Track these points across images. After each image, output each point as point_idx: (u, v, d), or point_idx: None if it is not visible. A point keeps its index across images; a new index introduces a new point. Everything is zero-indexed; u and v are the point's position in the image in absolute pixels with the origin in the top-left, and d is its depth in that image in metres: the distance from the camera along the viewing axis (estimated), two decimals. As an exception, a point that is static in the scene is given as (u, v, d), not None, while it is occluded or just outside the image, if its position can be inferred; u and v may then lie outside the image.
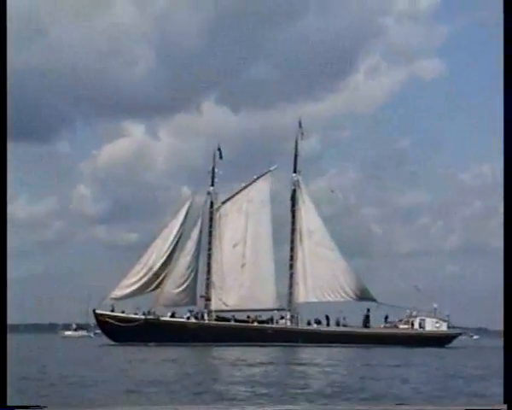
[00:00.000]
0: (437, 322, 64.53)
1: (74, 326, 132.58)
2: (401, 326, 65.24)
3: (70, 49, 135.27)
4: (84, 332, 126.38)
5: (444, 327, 64.67)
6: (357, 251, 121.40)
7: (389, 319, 65.91)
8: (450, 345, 63.81)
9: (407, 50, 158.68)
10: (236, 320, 64.80)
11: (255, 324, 64.42)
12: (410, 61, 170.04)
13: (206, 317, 65.40)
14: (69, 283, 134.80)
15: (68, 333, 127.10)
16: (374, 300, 65.69)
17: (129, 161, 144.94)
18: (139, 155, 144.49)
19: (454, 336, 65.69)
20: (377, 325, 65.26)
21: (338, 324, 64.79)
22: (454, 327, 65.92)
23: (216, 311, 65.62)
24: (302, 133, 67.47)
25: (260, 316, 65.74)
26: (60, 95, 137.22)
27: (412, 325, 65.09)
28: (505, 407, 8.99)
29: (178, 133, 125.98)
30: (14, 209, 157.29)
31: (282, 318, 65.14)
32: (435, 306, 65.22)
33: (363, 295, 65.86)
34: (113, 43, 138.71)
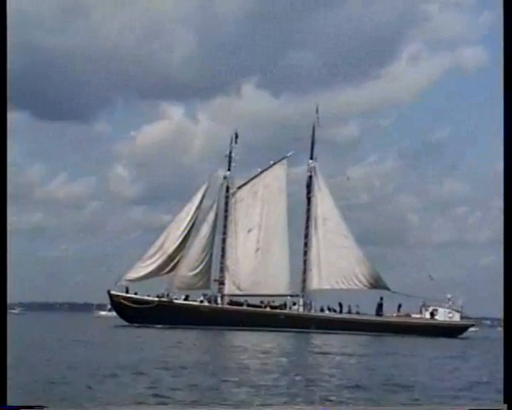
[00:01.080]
0: (450, 312, 64.41)
1: (109, 307, 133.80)
2: (414, 315, 65.27)
3: (111, 32, 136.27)
4: None
5: (457, 317, 64.57)
6: (393, 240, 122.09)
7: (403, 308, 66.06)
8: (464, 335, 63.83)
9: (450, 39, 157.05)
10: (249, 305, 65.08)
11: (268, 309, 64.62)
12: (453, 49, 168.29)
13: (219, 301, 65.77)
14: (104, 263, 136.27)
15: (102, 313, 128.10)
16: (387, 288, 65.70)
17: (167, 143, 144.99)
18: (177, 137, 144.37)
19: (467, 327, 65.62)
20: (390, 314, 65.29)
21: (349, 311, 64.96)
22: (468, 318, 65.91)
23: (229, 295, 66.00)
24: (318, 118, 67.39)
25: (274, 301, 66.03)
26: (100, 77, 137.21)
27: (432, 314, 64.87)
28: (505, 407, 9.07)
29: (217, 116, 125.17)
30: (53, 188, 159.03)
31: (295, 304, 65.36)
32: (449, 296, 65.17)
33: (376, 284, 65.88)
34: (154, 26, 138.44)
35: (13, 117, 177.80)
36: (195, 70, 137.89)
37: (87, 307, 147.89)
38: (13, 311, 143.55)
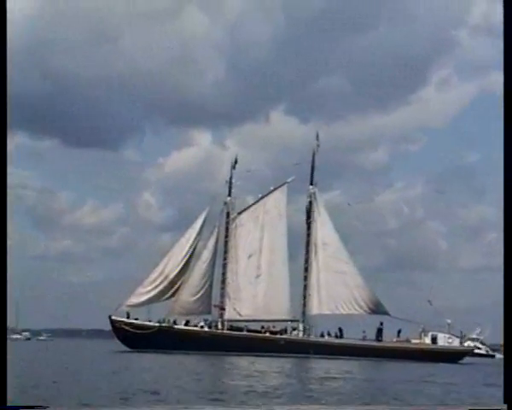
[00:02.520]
0: (449, 337, 64.42)
1: None
2: (413, 341, 65.32)
3: (140, 57, 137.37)
4: None
5: (456, 343, 64.57)
6: (421, 265, 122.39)
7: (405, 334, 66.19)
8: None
9: (479, 64, 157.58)
10: (249, 330, 65.29)
11: (267, 334, 64.82)
12: (483, 74, 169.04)
13: (219, 326, 66.02)
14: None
15: None
16: (387, 313, 65.78)
17: (195, 170, 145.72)
18: (205, 164, 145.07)
19: (466, 353, 65.56)
20: (389, 339, 65.35)
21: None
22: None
23: (229, 320, 66.24)
24: (318, 145, 67.79)
25: (274, 327, 66.18)
26: (129, 103, 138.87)
27: (434, 340, 65.09)
28: (505, 407, 9.15)
29: (246, 143, 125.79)
30: (82, 215, 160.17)
31: (294, 329, 65.54)
32: (449, 321, 65.16)
33: (376, 309, 65.92)
34: (183, 51, 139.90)
35: (43, 144, 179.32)
36: (224, 96, 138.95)
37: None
38: (40, 337, 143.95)
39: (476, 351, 76.24)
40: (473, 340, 71.70)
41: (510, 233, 8.59)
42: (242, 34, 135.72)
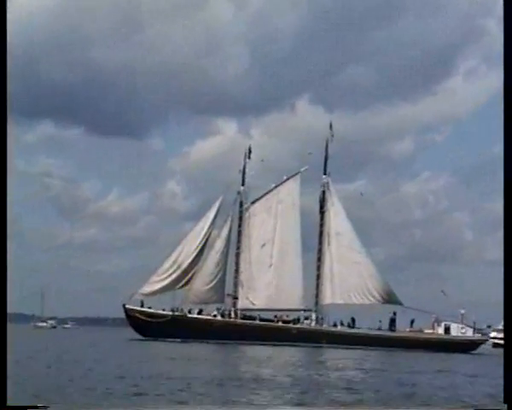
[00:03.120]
0: (463, 328, 64.26)
1: None
2: (426, 331, 65.23)
3: (166, 47, 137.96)
4: None
5: (469, 333, 64.38)
6: (446, 256, 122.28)
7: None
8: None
9: None
10: (262, 319, 65.43)
11: (280, 323, 64.92)
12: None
13: (232, 315, 66.20)
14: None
15: None
16: (400, 303, 65.71)
17: (220, 159, 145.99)
18: (230, 153, 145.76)
19: (480, 343, 65.33)
20: (403, 329, 65.33)
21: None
22: (483, 333, 65.76)
23: (242, 309, 66.40)
24: (332, 135, 67.63)
25: (287, 316, 66.30)
26: (154, 92, 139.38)
27: (447, 330, 64.97)
28: (505, 407, 9.39)
29: (271, 132, 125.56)
30: (107, 204, 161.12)
31: (307, 318, 65.59)
32: (462, 311, 64.98)
33: (389, 299, 65.88)
34: (210, 42, 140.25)
35: (68, 133, 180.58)
36: (250, 86, 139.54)
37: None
38: (65, 325, 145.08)
39: (502, 342, 75.74)
40: (498, 331, 71.03)
41: (510, 233, 8.53)
42: (267, 25, 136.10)
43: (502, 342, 74.37)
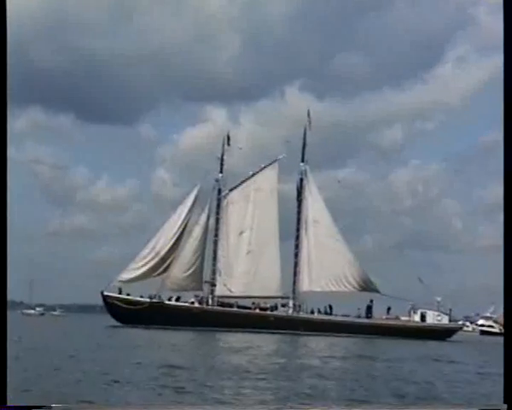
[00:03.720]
0: (438, 315, 64.79)
1: None
2: (403, 318, 65.73)
3: (156, 35, 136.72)
4: None
5: (445, 320, 64.92)
6: (436, 244, 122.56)
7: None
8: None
9: (497, 41, 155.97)
10: (239, 307, 65.65)
11: (257, 311, 65.17)
12: (501, 52, 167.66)
13: (210, 302, 66.37)
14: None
15: None
16: (377, 291, 66.15)
17: (210, 146, 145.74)
18: (220, 141, 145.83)
19: (455, 330, 65.92)
20: (379, 316, 65.76)
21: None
22: (455, 321, 66.43)
23: (220, 297, 66.57)
24: (310, 123, 67.79)
25: (266, 303, 66.53)
26: (144, 80, 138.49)
27: (423, 317, 65.55)
28: (505, 407, 9.16)
29: (261, 120, 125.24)
30: (96, 191, 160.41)
31: (284, 305, 65.87)
32: (438, 299, 65.52)
33: (366, 286, 66.30)
34: (200, 29, 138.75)
35: (58, 120, 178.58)
36: (240, 73, 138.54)
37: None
38: (53, 312, 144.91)
39: (490, 330, 77.03)
40: (486, 318, 72.20)
41: (510, 232, 8.45)
42: (259, 11, 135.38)
43: (489, 329, 75.56)
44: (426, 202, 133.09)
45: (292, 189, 69.06)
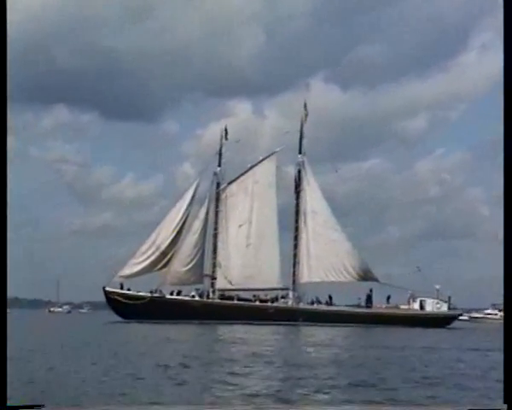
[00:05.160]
0: (437, 303, 65.07)
1: None
2: (402, 306, 66.04)
3: (178, 31, 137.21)
4: None
5: (444, 308, 65.19)
6: (462, 233, 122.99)
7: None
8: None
9: None
10: (239, 299, 66.11)
11: (257, 303, 65.61)
12: None
13: (210, 295, 66.86)
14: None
15: None
16: (376, 280, 66.45)
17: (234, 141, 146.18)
18: (244, 135, 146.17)
19: (454, 317, 66.19)
20: (379, 305, 66.10)
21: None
22: (455, 308, 66.74)
23: (220, 290, 67.03)
24: (306, 115, 68.02)
25: (266, 295, 66.94)
26: (167, 76, 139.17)
27: (422, 305, 65.92)
28: (505, 407, 9.01)
29: (285, 113, 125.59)
30: (121, 188, 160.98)
31: (284, 297, 66.30)
32: (437, 287, 65.82)
33: (365, 276, 66.62)
34: (222, 24, 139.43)
35: (82, 118, 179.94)
36: (263, 67, 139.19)
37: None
38: (81, 310, 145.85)
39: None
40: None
41: (510, 231, 8.59)
42: (281, 5, 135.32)
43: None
44: (451, 191, 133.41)
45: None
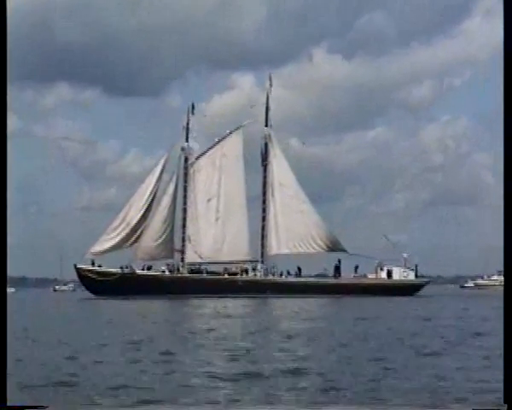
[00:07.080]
0: (404, 271, 65.79)
1: None
2: (370, 276, 66.77)
3: (181, 4, 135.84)
4: None
5: (411, 276, 65.94)
6: (466, 200, 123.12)
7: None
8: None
9: None
10: (209, 272, 66.71)
11: (226, 276, 66.23)
12: None
13: (181, 269, 67.42)
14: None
15: None
16: (345, 251, 67.08)
17: (237, 113, 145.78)
18: (247, 107, 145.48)
19: (421, 285, 66.96)
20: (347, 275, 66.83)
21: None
22: (422, 276, 67.55)
23: (190, 264, 67.59)
24: (271, 85, 68.45)
25: (237, 268, 67.51)
26: (170, 50, 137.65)
27: (389, 274, 66.67)
28: (505, 407, 8.80)
29: (288, 84, 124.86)
30: (125, 164, 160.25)
31: (254, 269, 66.90)
32: (405, 256, 66.51)
33: (334, 247, 67.23)
34: None
35: (85, 94, 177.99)
36: (266, 38, 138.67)
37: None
38: None
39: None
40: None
41: (509, 231, 8.66)
42: None
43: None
44: (456, 158, 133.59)
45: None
